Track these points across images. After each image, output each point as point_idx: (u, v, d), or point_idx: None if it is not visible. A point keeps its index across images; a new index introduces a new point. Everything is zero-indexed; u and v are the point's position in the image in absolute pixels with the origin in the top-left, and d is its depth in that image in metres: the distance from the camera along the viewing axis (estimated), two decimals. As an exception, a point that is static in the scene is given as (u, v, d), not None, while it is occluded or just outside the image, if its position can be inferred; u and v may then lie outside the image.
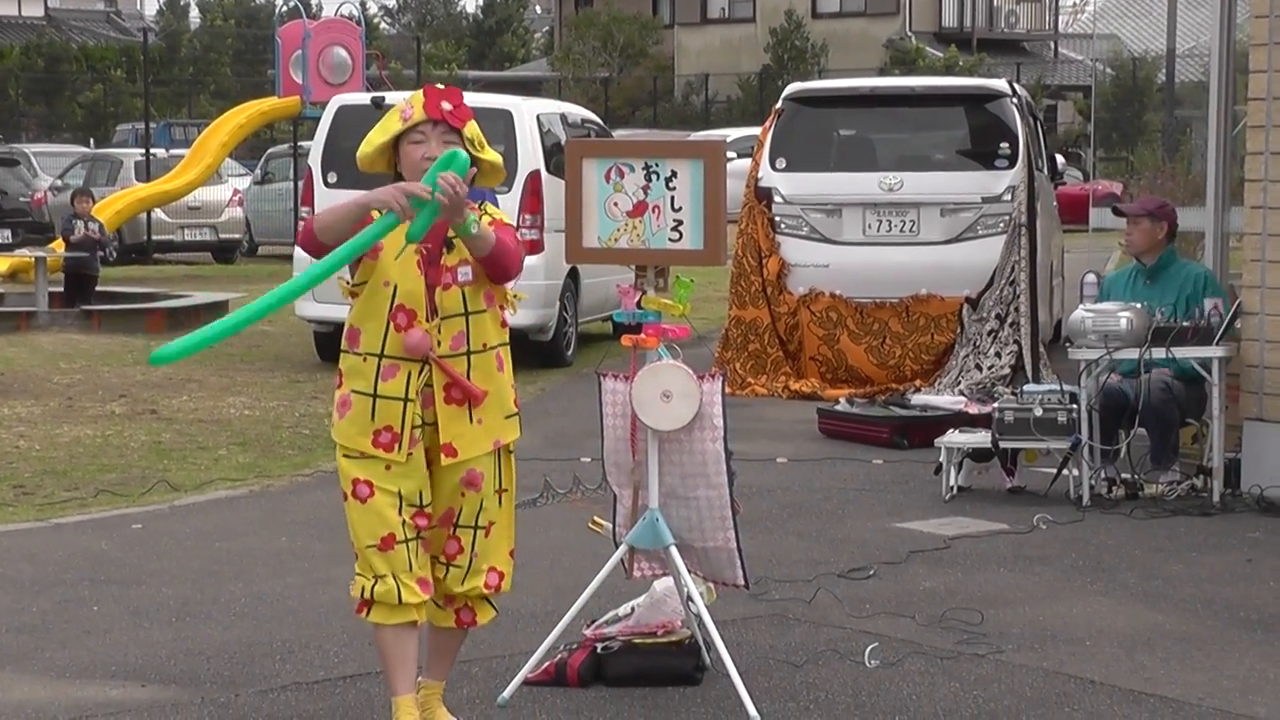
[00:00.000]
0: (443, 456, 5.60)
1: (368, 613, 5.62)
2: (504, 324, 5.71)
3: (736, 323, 14.25)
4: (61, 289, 19.38)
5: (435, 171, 5.38)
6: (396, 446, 5.55)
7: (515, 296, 5.77)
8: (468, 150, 5.54)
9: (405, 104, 5.60)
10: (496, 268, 5.57)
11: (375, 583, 5.57)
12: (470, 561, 5.69)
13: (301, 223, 5.44)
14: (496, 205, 5.86)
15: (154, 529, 9.11)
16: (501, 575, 5.76)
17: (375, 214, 5.43)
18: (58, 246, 19.68)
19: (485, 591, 5.74)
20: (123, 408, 13.01)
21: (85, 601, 7.63)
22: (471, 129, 5.59)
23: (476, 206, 5.60)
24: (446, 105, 5.55)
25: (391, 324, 5.53)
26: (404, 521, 5.56)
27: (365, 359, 5.57)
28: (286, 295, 5.47)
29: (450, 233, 5.54)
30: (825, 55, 50.23)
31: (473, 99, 20.15)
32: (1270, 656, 6.83)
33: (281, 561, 8.38)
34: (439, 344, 5.55)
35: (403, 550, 5.56)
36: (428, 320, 5.54)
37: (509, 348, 5.76)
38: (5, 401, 13.18)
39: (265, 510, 9.63)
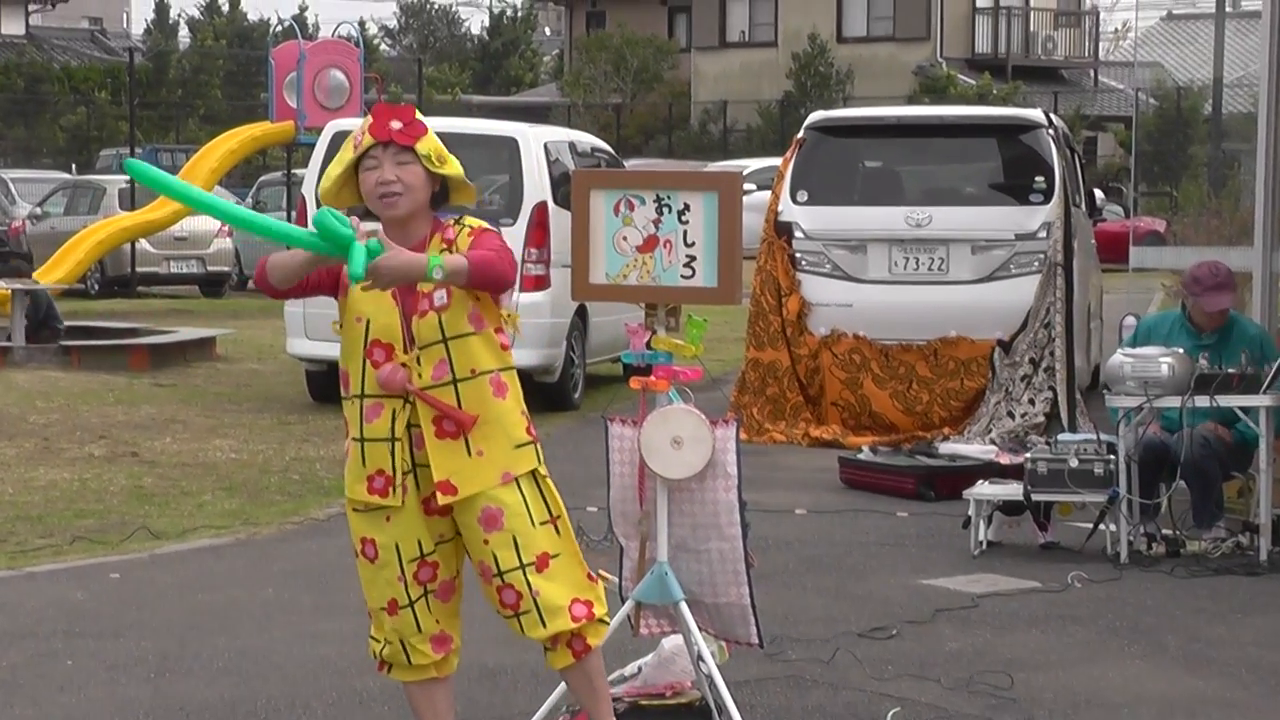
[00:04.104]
0: (439, 495, 5.51)
1: (388, 671, 5.69)
2: (504, 346, 5.59)
3: (754, 365, 14.25)
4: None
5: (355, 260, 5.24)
6: (391, 490, 5.51)
7: (510, 316, 5.66)
8: (425, 167, 5.48)
9: (358, 130, 5.54)
10: (487, 287, 5.46)
11: (384, 645, 5.63)
12: (535, 603, 5.55)
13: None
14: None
15: (133, 579, 9.11)
16: (589, 603, 5.61)
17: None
18: (40, 278, 19.65)
19: (575, 626, 5.59)
20: (102, 449, 13.03)
21: (59, 655, 7.63)
22: (427, 144, 5.49)
23: (452, 225, 5.55)
24: (395, 124, 5.47)
25: (368, 361, 5.50)
26: (407, 582, 5.55)
27: (353, 401, 5.55)
28: (238, 217, 5.50)
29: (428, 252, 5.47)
30: (851, 82, 50.33)
31: (476, 125, 19.96)
32: (1318, 726, 6.82)
33: (268, 614, 8.37)
34: (419, 375, 5.47)
35: (408, 614, 5.58)
36: (405, 351, 5.48)
37: (514, 373, 5.63)
38: (-23, 442, 13.21)
39: (251, 560, 9.63)
